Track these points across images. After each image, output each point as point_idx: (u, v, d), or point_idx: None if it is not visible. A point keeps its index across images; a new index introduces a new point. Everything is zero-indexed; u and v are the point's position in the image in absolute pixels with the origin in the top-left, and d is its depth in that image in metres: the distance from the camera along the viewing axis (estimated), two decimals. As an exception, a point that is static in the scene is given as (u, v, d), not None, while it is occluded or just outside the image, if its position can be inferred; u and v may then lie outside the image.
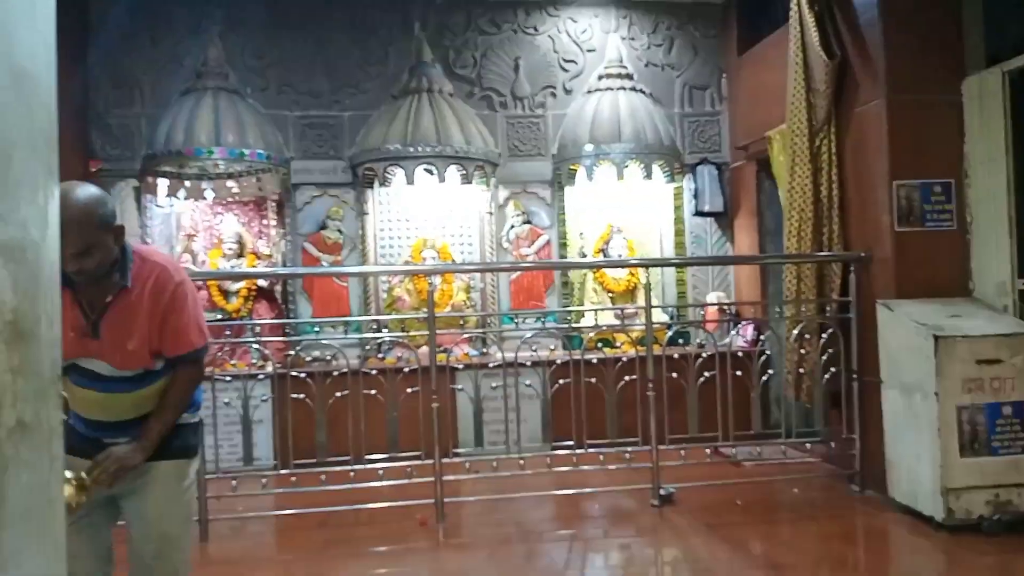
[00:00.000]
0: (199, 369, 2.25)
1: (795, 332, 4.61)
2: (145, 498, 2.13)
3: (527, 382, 4.55)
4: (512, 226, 6.24)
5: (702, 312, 6.05)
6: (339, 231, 6.02)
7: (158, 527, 2.15)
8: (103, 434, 2.11)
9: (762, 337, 5.34)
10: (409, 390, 4.22)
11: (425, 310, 4.31)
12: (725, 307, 6.06)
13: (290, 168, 5.86)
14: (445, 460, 3.97)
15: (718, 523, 3.82)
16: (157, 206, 5.77)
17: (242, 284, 5.70)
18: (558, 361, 5.07)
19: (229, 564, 3.48)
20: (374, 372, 4.35)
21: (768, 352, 4.71)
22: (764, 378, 4.51)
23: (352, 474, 3.93)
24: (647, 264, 5.86)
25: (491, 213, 6.14)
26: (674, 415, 4.36)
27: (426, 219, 6.14)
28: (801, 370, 4.59)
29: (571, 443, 4.22)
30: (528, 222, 6.27)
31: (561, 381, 4.40)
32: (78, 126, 5.62)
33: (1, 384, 1.20)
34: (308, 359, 4.94)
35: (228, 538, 3.77)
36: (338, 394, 4.10)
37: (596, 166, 5.96)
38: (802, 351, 4.58)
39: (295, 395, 4.15)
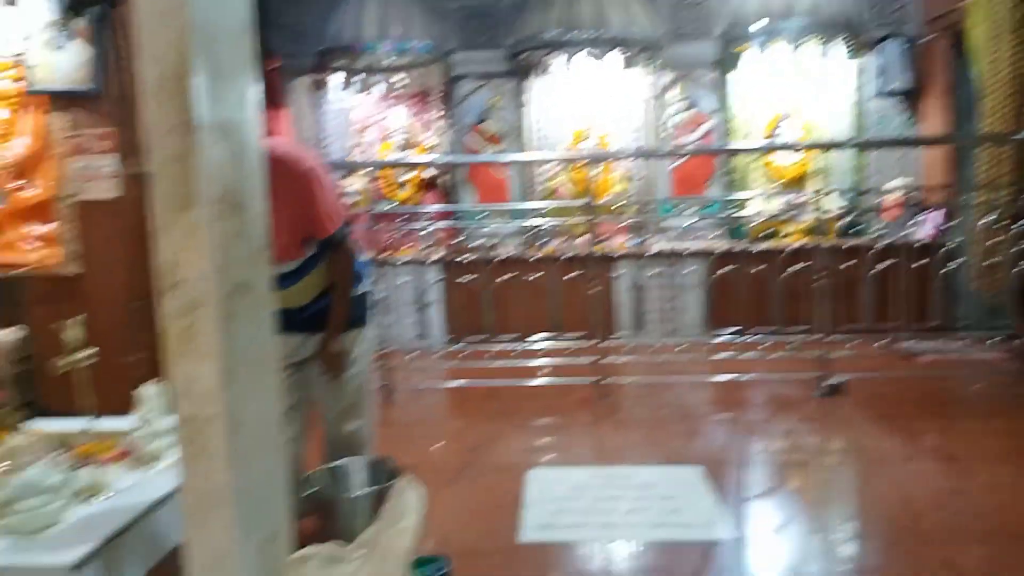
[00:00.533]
0: (346, 248, 2.31)
1: (988, 220, 4.22)
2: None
3: (687, 270, 4.52)
4: (674, 112, 6.04)
5: (879, 202, 5.64)
6: (499, 122, 6.10)
7: (342, 389, 2.39)
8: (289, 317, 2.29)
9: (949, 225, 4.93)
10: (569, 276, 4.33)
11: (584, 200, 4.35)
12: (908, 193, 5.61)
13: (453, 60, 5.95)
14: (605, 343, 4.08)
15: (889, 415, 3.70)
16: (330, 102, 6.09)
17: (411, 175, 5.97)
18: (720, 251, 4.97)
19: (407, 426, 3.84)
20: (536, 259, 4.48)
21: (953, 242, 4.36)
22: (948, 269, 4.20)
23: (517, 352, 4.15)
24: (823, 147, 5.50)
25: (653, 99, 5.96)
26: (845, 306, 4.19)
27: (585, 108, 6.07)
28: (991, 261, 4.23)
29: (733, 331, 4.20)
30: (691, 107, 6.03)
31: (723, 270, 4.34)
32: (255, 25, 5.95)
33: (223, 250, 1.40)
34: (473, 246, 5.16)
35: (405, 405, 4.14)
36: (502, 278, 4.28)
37: (767, 45, 5.57)
38: (994, 241, 4.20)
39: (462, 279, 4.38)
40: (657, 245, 5.35)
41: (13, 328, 2.51)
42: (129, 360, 3.61)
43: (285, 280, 2.32)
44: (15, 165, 4.06)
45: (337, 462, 2.27)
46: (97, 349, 2.54)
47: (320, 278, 2.34)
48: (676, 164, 6.00)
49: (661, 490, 2.76)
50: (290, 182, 2.15)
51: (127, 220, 3.87)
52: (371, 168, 5.62)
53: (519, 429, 3.76)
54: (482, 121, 6.11)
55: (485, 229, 4.84)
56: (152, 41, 1.31)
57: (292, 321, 2.30)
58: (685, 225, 4.40)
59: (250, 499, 1.47)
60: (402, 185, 6.00)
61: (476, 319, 4.31)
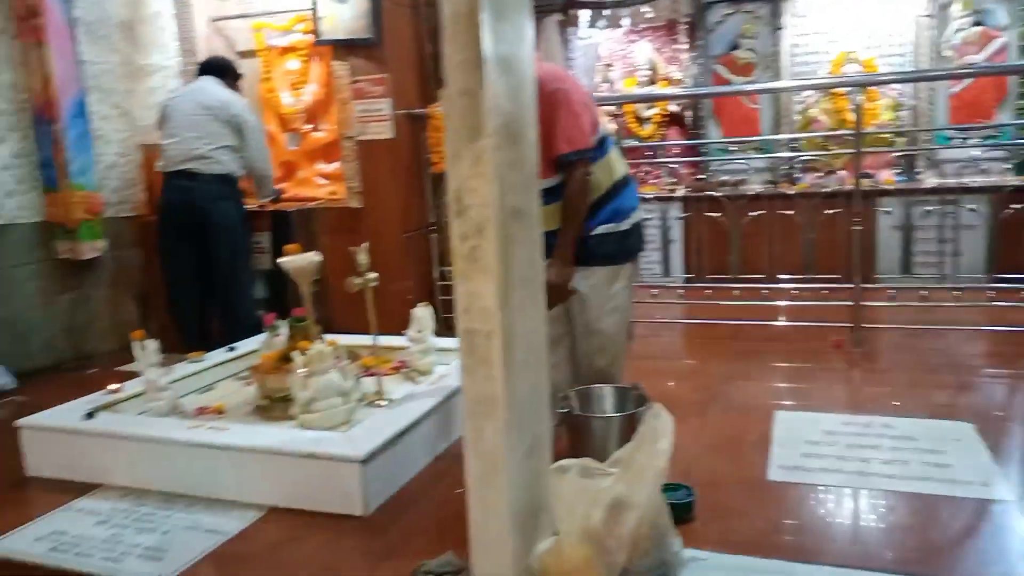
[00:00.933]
0: (577, 172, 2.30)
1: None
2: (582, 301, 2.44)
3: (970, 207, 4.03)
4: (958, 29, 5.30)
5: None
6: (751, 50, 5.77)
7: (595, 325, 2.47)
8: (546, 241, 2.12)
9: None
10: (827, 212, 4.06)
11: (844, 131, 4.01)
12: None
13: (702, -15, 5.70)
14: (865, 285, 3.80)
15: None
16: (579, 38, 6.13)
17: (655, 110, 5.88)
18: (1009, 187, 4.36)
19: (649, 359, 3.88)
20: (787, 195, 4.25)
21: None
22: None
23: (764, 292, 4.00)
24: None
25: (930, 16, 5.28)
26: None
27: (849, 30, 5.53)
28: None
29: (1019, 276, 3.70)
30: (979, 23, 5.26)
31: (1012, 208, 3.81)
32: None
33: (501, 177, 1.51)
34: (718, 181, 5.00)
35: (647, 339, 4.19)
36: (752, 214, 4.12)
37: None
38: None
39: (709, 215, 4.28)
40: (931, 180, 4.82)
41: (314, 252, 2.90)
42: (402, 285, 4.02)
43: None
44: (307, 110, 4.61)
45: (587, 386, 2.39)
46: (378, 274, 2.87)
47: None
48: (956, 89, 5.29)
49: (925, 443, 2.56)
50: (539, 100, 2.00)
51: (400, 158, 4.26)
52: (616, 103, 5.62)
53: (764, 370, 3.66)
54: (733, 50, 5.82)
55: (732, 164, 4.65)
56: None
57: (547, 246, 2.22)
58: (967, 157, 3.90)
59: (520, 408, 1.60)
60: (645, 121, 5.93)
61: (720, 257, 4.21)
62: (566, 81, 2.33)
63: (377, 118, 4.17)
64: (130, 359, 4.08)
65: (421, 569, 1.76)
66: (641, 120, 5.95)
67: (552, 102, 2.21)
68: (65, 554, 2.05)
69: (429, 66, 4.43)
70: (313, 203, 4.53)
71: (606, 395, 2.35)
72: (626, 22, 5.95)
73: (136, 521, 2.22)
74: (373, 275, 2.84)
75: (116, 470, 2.46)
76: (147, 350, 2.75)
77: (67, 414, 2.62)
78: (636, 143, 5.74)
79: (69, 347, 4.16)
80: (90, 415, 2.58)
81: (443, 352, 3.24)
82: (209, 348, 3.50)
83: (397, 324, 3.10)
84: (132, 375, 3.19)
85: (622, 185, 2.51)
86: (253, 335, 3.75)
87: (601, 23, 5.97)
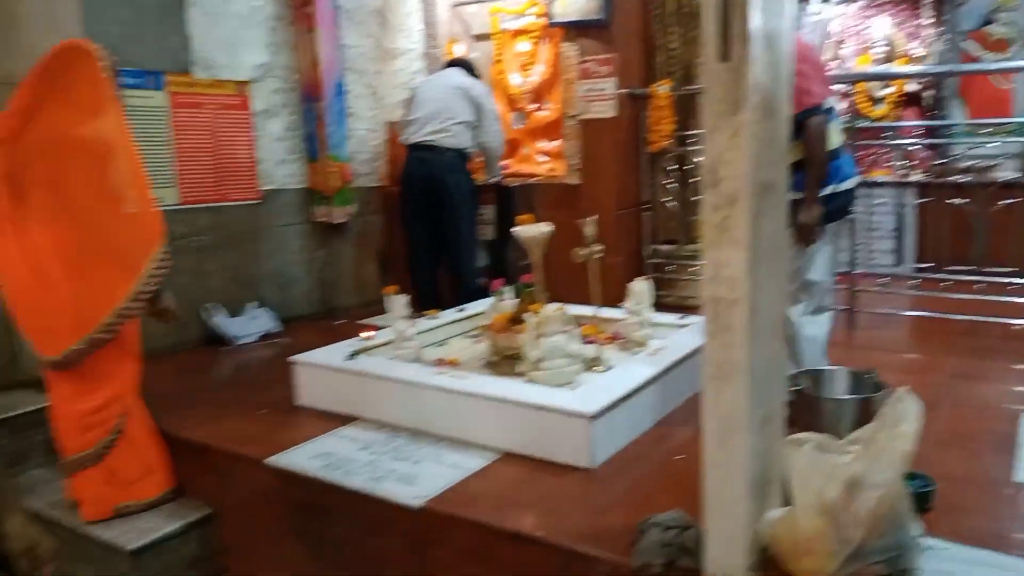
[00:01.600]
0: (813, 124, 2.61)
1: None
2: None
3: None
4: None
5: None
6: (1008, 24, 5.22)
7: (806, 275, 2.79)
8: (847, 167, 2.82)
9: None
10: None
11: None
12: None
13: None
14: None
15: None
16: (808, 14, 5.86)
17: (890, 90, 5.50)
18: None
19: (875, 350, 3.72)
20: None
21: None
22: None
23: (1010, 287, 3.68)
24: None
25: None
26: None
27: None
28: None
29: None
30: None
31: None
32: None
33: (756, 151, 1.56)
34: (962, 167, 4.61)
35: (869, 330, 4.00)
36: (1002, 203, 3.79)
37: None
38: None
39: (951, 200, 3.98)
40: None
41: (545, 223, 3.09)
42: (614, 260, 4.15)
43: None
44: (533, 90, 4.83)
45: (819, 368, 2.38)
46: (601, 246, 3.00)
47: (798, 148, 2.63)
48: None
49: None
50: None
51: (619, 137, 4.37)
52: (848, 82, 5.33)
53: (1004, 371, 3.37)
54: (986, 24, 5.30)
55: (981, 149, 4.27)
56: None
57: None
58: None
59: (758, 376, 1.66)
60: (879, 101, 5.57)
61: (959, 247, 3.90)
62: (798, 45, 2.45)
63: (601, 97, 4.30)
64: (370, 313, 4.58)
65: (650, 521, 1.88)
66: (874, 100, 5.59)
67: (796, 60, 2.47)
68: (335, 471, 2.40)
69: (653, 46, 4.49)
70: (534, 179, 4.76)
71: (838, 378, 2.33)
72: (864, -4, 5.60)
73: (391, 450, 2.54)
74: (598, 247, 2.98)
75: (372, 406, 2.81)
76: (397, 304, 3.09)
77: (332, 354, 3.02)
78: (868, 124, 5.41)
79: (321, 299, 4.73)
80: (352, 356, 2.95)
81: (658, 326, 3.33)
82: (441, 308, 3.83)
83: (608, 297, 3.22)
84: (372, 327, 3.59)
85: (838, 154, 2.79)
86: (478, 298, 4.05)
87: (834, -2, 5.66)
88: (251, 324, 4.11)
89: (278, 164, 4.43)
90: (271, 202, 4.39)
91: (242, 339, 4.01)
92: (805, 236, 2.66)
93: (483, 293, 4.16)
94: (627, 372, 2.75)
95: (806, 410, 2.16)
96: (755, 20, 1.49)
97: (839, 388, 2.31)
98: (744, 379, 1.62)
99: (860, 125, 5.17)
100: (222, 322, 4.02)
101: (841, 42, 5.83)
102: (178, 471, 2.78)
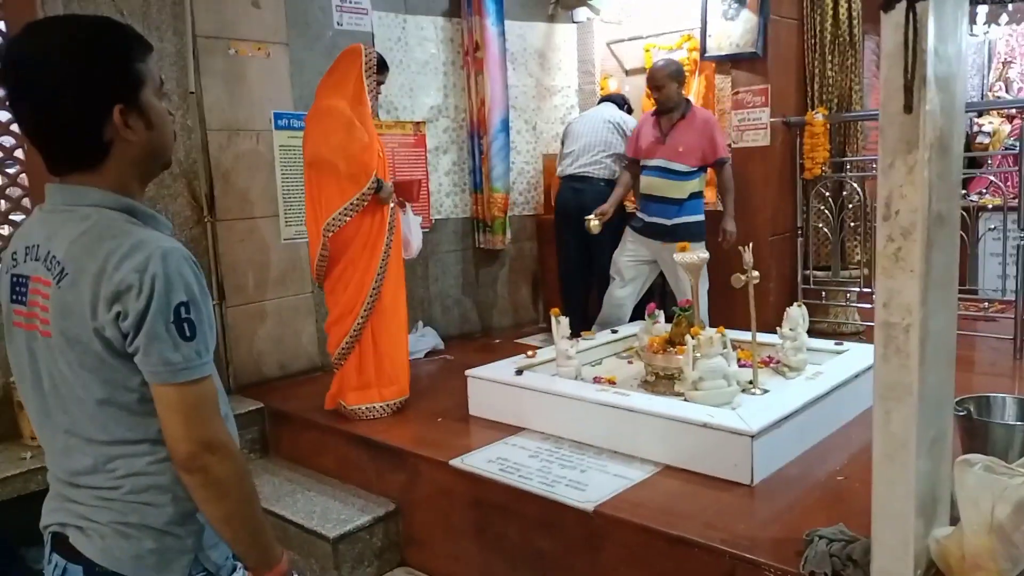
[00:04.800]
0: (728, 170, 4.10)
1: None
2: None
3: None
4: None
5: None
6: None
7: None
8: (654, 208, 4.09)
9: None
10: None
11: None
12: None
13: None
14: None
15: None
16: (971, 35, 5.68)
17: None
18: None
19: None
20: None
21: None
22: None
23: None
24: None
25: None
26: None
27: None
28: None
29: None
30: None
31: None
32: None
33: (931, 185, 1.67)
34: None
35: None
36: None
37: None
38: None
39: None
40: None
41: (701, 249, 3.23)
42: (766, 286, 4.20)
43: (672, 175, 4.03)
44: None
45: (985, 394, 2.38)
46: (758, 272, 3.10)
47: (686, 186, 4.04)
48: None
49: None
50: (701, 125, 4.00)
51: (773, 164, 4.43)
52: (1014, 107, 5.12)
53: None
54: None
55: None
56: (891, 15, 1.62)
57: (651, 214, 4.12)
58: None
59: (928, 398, 1.76)
60: (1053, 123, 5.29)
61: None
62: (712, 118, 4.14)
63: (755, 126, 4.39)
64: (524, 333, 4.86)
65: (816, 533, 1.98)
66: (1047, 123, 5.32)
67: (711, 125, 4.05)
68: (511, 475, 2.64)
69: (808, 75, 4.53)
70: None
71: (1007, 405, 2.33)
72: (1034, 15, 5.38)
73: (559, 459, 2.76)
74: (756, 273, 3.09)
75: (538, 418, 3.04)
76: (561, 325, 3.32)
77: (500, 370, 3.29)
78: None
79: (478, 320, 5.06)
80: (519, 372, 3.21)
81: (813, 352, 3.37)
82: (588, 328, 4.04)
83: (759, 322, 3.29)
84: (533, 346, 3.84)
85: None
86: (624, 321, 4.22)
87: (1003, 18, 5.46)
88: (420, 341, 4.47)
89: (446, 196, 4.83)
90: (439, 230, 4.78)
91: (413, 354, 4.37)
92: (731, 240, 4.03)
93: (631, 316, 4.33)
94: (786, 394, 2.84)
95: (974, 435, 2.18)
96: (932, 68, 1.61)
97: (1008, 414, 2.31)
98: (914, 400, 1.71)
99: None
100: (395, 338, 4.41)
101: (1008, 63, 5.61)
102: (370, 469, 3.12)
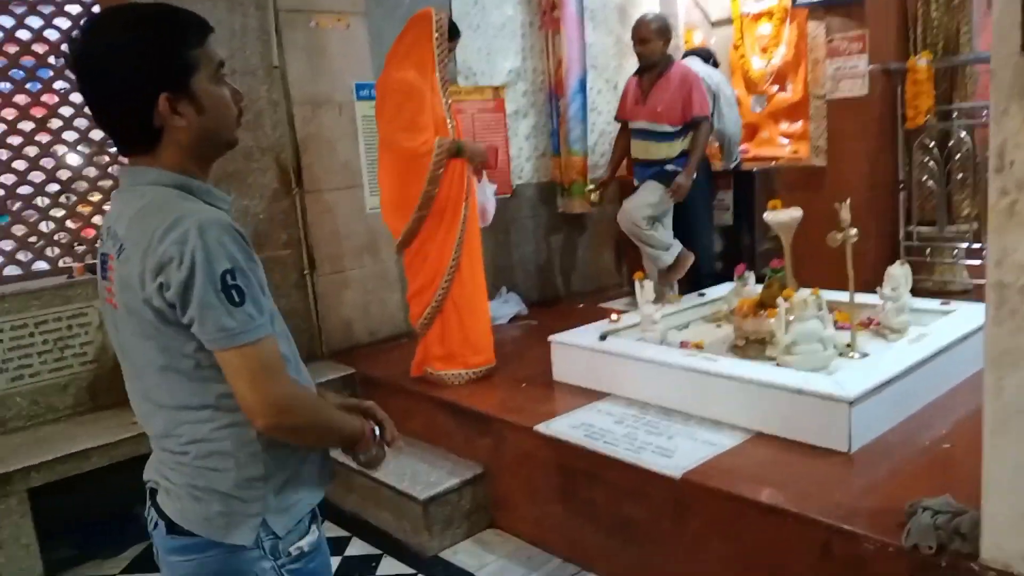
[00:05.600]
0: (704, 127, 3.92)
1: None
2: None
3: None
4: None
5: None
6: None
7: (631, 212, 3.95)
8: (641, 172, 4.02)
9: None
10: None
11: None
12: None
13: None
14: None
15: None
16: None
17: None
18: None
19: None
20: None
21: None
22: None
23: None
24: None
25: None
26: None
27: None
28: None
29: None
30: None
31: None
32: None
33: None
34: None
35: None
36: None
37: None
38: None
39: None
40: None
41: (795, 208, 3.09)
42: (868, 243, 3.99)
43: (655, 136, 3.95)
44: (774, 72, 4.75)
45: None
46: (856, 230, 2.94)
47: (669, 148, 3.95)
48: None
49: None
50: (680, 82, 3.89)
51: (871, 115, 4.19)
52: None
53: None
54: None
55: None
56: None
57: (659, 171, 3.95)
58: None
59: (1048, 363, 1.62)
60: None
61: None
62: (696, 75, 3.97)
63: (851, 75, 4.14)
64: (606, 297, 4.80)
65: (920, 504, 1.89)
66: None
67: (688, 83, 3.88)
68: (597, 440, 2.63)
69: (909, 18, 4.23)
70: (774, 162, 4.69)
71: None
72: None
73: (645, 425, 2.72)
74: (854, 231, 2.93)
75: (623, 383, 3.01)
76: (645, 289, 3.26)
77: (584, 335, 3.26)
78: None
79: (560, 284, 5.03)
80: (603, 337, 3.17)
81: (917, 312, 3.20)
82: (679, 292, 3.95)
83: (857, 282, 3.13)
84: (617, 310, 3.79)
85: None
86: (712, 283, 4.11)
87: None
88: (504, 307, 4.49)
89: (526, 160, 4.78)
90: (520, 196, 4.76)
91: (497, 320, 4.40)
92: (683, 194, 3.90)
93: (718, 278, 4.21)
94: (887, 358, 2.70)
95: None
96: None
97: None
98: (1030, 366, 1.59)
99: None
100: (481, 305, 4.44)
101: None
102: (457, 434, 3.17)
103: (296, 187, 3.84)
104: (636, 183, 4.08)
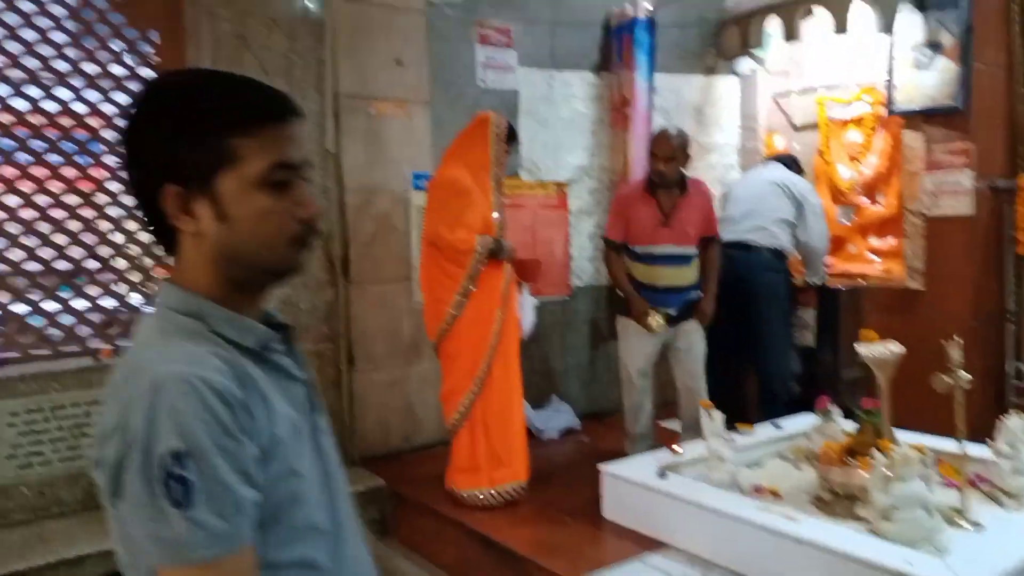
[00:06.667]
0: (717, 248, 3.63)
1: None
2: (687, 339, 3.61)
3: None
4: None
5: None
6: None
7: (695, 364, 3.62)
8: (664, 299, 3.50)
9: None
10: None
11: None
12: None
13: None
14: None
15: None
16: None
17: None
18: None
19: None
20: None
21: None
22: None
23: None
24: None
25: None
26: None
27: None
28: None
29: None
30: None
31: None
32: None
33: None
34: None
35: None
36: None
37: None
38: None
39: None
40: None
41: (893, 342, 2.68)
42: (971, 384, 3.50)
43: (677, 261, 3.51)
44: (864, 183, 4.40)
45: None
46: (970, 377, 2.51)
47: (694, 269, 3.58)
48: None
49: None
50: (701, 198, 3.57)
51: (976, 236, 3.76)
52: None
53: None
54: None
55: None
56: None
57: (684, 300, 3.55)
58: None
59: None
60: None
61: None
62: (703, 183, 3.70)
63: (953, 191, 3.75)
64: (667, 413, 4.37)
65: None
66: None
67: (709, 196, 3.63)
68: (649, 608, 2.20)
69: (1019, 132, 3.85)
70: (862, 280, 4.27)
71: None
72: None
73: (708, 593, 2.29)
74: (966, 376, 2.50)
75: (683, 534, 2.58)
76: (715, 420, 2.85)
77: (640, 468, 2.86)
78: None
79: (616, 396, 4.62)
80: (662, 474, 2.77)
81: (1040, 474, 2.70)
82: (745, 416, 3.51)
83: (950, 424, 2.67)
84: (672, 433, 3.38)
85: None
86: (784, 403, 3.67)
87: None
88: (554, 418, 4.12)
89: (588, 261, 4.49)
90: (579, 298, 4.44)
91: (545, 433, 4.03)
92: (704, 319, 3.59)
93: (793, 400, 3.77)
94: (1010, 534, 2.22)
95: None
96: None
97: None
98: None
99: None
100: (529, 415, 4.07)
101: None
102: (491, 573, 2.78)
103: (342, 278, 3.63)
104: (659, 313, 3.49)
